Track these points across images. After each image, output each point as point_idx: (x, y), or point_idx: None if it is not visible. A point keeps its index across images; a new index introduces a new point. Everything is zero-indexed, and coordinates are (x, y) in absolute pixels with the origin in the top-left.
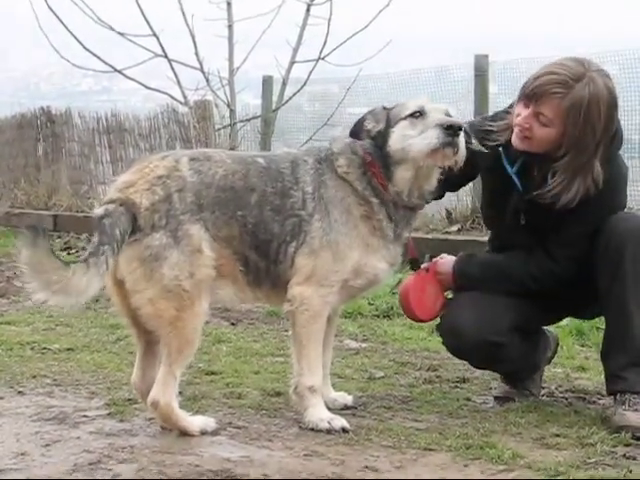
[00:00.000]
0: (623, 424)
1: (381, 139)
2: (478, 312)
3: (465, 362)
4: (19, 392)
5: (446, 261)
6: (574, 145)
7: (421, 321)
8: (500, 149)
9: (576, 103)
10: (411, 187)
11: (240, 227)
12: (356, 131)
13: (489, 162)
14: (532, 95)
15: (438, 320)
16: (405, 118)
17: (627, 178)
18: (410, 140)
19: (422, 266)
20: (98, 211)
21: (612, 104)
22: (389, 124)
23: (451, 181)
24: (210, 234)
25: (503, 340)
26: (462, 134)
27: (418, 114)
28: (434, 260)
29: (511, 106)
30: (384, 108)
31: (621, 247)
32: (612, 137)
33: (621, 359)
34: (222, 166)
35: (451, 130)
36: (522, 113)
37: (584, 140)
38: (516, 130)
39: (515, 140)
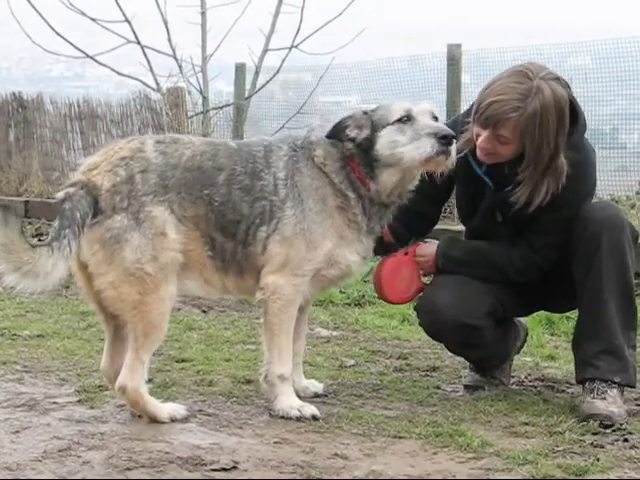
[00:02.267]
0: (592, 412)
1: (366, 144)
2: (457, 294)
3: (435, 351)
4: None
5: (428, 245)
6: (533, 158)
7: (392, 303)
8: (467, 152)
9: (530, 118)
10: (394, 188)
11: (206, 206)
12: (335, 135)
13: (460, 166)
14: (487, 123)
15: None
16: (393, 123)
17: (595, 161)
18: (401, 148)
19: (401, 249)
20: (59, 195)
21: (561, 107)
22: (375, 129)
23: (433, 198)
24: (176, 216)
25: (480, 323)
26: (454, 142)
27: (406, 118)
28: (416, 243)
29: (468, 113)
30: (364, 113)
31: (597, 235)
32: (572, 127)
33: (593, 347)
34: (190, 147)
35: (445, 140)
36: (482, 134)
37: (541, 149)
38: (479, 148)
39: (481, 156)
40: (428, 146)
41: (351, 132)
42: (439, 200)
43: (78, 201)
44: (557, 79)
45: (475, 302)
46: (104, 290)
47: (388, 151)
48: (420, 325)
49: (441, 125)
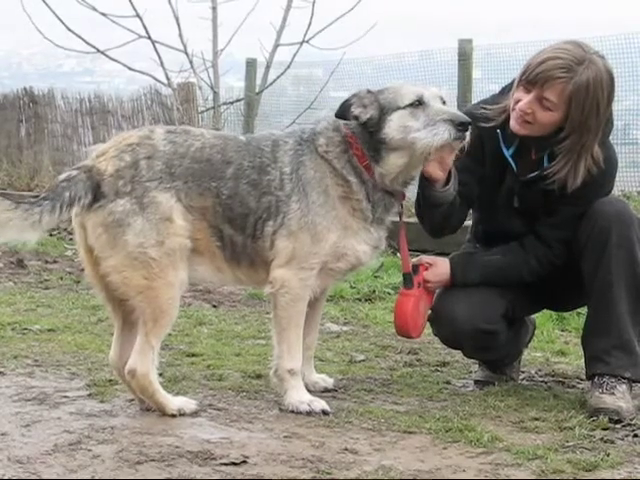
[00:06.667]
0: (599, 406)
1: (373, 126)
2: (473, 302)
3: (445, 346)
4: (0, 372)
5: (437, 267)
6: (578, 127)
7: (413, 338)
8: (497, 131)
9: (580, 87)
10: (399, 173)
11: (213, 198)
12: (342, 113)
13: (488, 146)
14: (536, 80)
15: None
16: (404, 108)
17: (617, 162)
18: (415, 133)
19: (414, 278)
20: (61, 175)
21: (611, 84)
22: (383, 111)
23: (476, 176)
24: (183, 204)
25: (496, 328)
26: (470, 128)
27: (417, 103)
28: (421, 270)
29: (503, 91)
30: (369, 91)
31: (607, 230)
32: (608, 119)
33: (603, 342)
34: (200, 139)
35: (462, 127)
36: (523, 98)
37: (588, 122)
38: (516, 115)
39: (515, 125)
40: (445, 132)
41: (355, 110)
42: (480, 177)
43: (75, 183)
44: (606, 60)
45: (491, 307)
46: (109, 274)
47: (399, 135)
48: (436, 335)
49: (457, 111)
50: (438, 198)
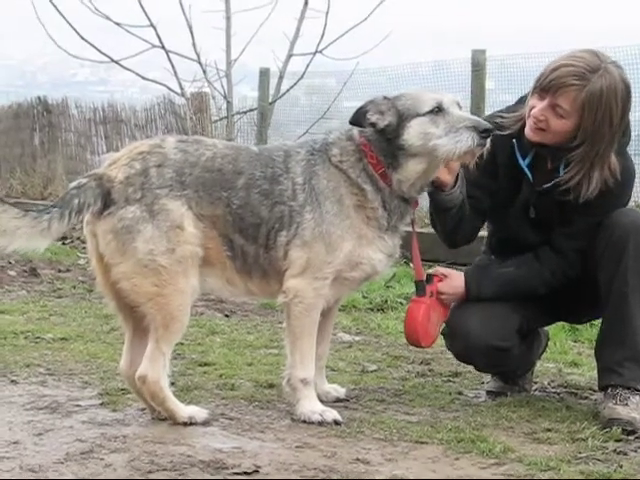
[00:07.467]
0: (613, 417)
1: (391, 132)
2: (487, 318)
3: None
4: (12, 381)
5: (451, 280)
6: (590, 135)
7: (424, 347)
8: (513, 141)
9: (593, 95)
10: (417, 179)
11: (224, 207)
12: (357, 120)
13: (504, 156)
14: (549, 87)
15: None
16: (424, 114)
17: (635, 173)
18: (437, 140)
19: (427, 287)
20: (73, 183)
21: (627, 95)
22: (402, 118)
23: (487, 189)
24: (194, 212)
25: (509, 344)
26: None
27: (437, 110)
28: (435, 280)
29: (520, 100)
30: (385, 98)
31: (623, 242)
32: (624, 129)
33: (618, 353)
34: (212, 149)
35: (486, 133)
36: (537, 105)
37: (600, 131)
38: (530, 122)
39: (529, 132)
40: (469, 139)
41: (372, 117)
42: (490, 191)
43: (84, 190)
44: (623, 70)
45: (504, 323)
46: (119, 281)
47: (419, 142)
48: (449, 350)
49: (479, 118)
50: (447, 201)
